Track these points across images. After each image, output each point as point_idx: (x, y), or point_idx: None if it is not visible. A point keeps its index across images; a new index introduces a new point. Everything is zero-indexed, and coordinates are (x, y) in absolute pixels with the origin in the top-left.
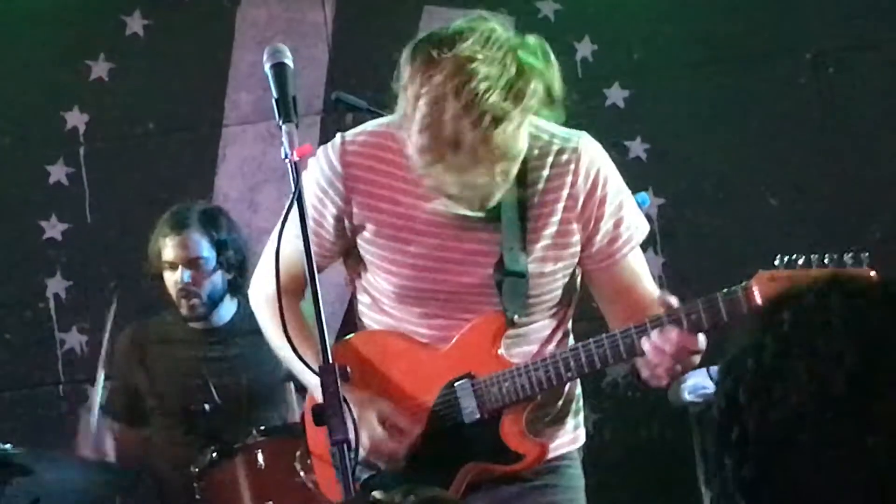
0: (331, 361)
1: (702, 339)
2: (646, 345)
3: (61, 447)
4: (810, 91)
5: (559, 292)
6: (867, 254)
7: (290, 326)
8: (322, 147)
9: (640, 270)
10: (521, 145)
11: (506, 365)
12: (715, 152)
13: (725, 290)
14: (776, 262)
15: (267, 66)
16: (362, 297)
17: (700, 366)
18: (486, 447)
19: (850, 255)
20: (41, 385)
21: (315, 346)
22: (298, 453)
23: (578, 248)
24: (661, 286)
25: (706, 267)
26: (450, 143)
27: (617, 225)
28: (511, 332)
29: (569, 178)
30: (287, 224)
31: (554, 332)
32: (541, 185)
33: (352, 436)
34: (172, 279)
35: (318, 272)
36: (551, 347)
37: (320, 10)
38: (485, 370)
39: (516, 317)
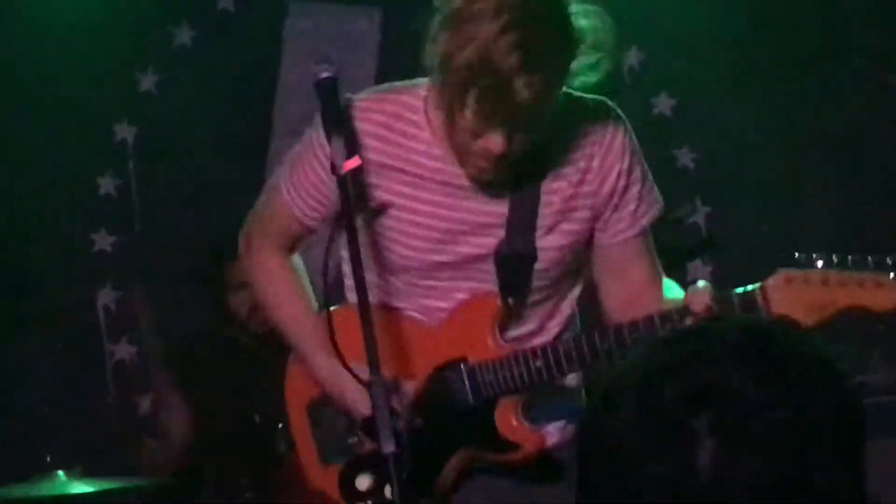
0: (380, 374)
1: None
2: None
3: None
4: (858, 98)
5: (565, 270)
6: (892, 260)
7: (293, 292)
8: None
9: (650, 249)
10: (553, 102)
11: (501, 350)
12: (762, 160)
13: (741, 290)
14: (796, 256)
15: (314, 80)
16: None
17: None
18: (479, 434)
19: (874, 258)
20: (90, 395)
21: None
22: None
23: (591, 224)
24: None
25: (755, 275)
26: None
27: (638, 199)
28: (509, 312)
29: (594, 149)
30: (286, 176)
31: (556, 311)
32: (561, 155)
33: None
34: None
35: (309, 234)
36: (553, 328)
37: (368, 22)
38: (479, 354)
39: (511, 300)
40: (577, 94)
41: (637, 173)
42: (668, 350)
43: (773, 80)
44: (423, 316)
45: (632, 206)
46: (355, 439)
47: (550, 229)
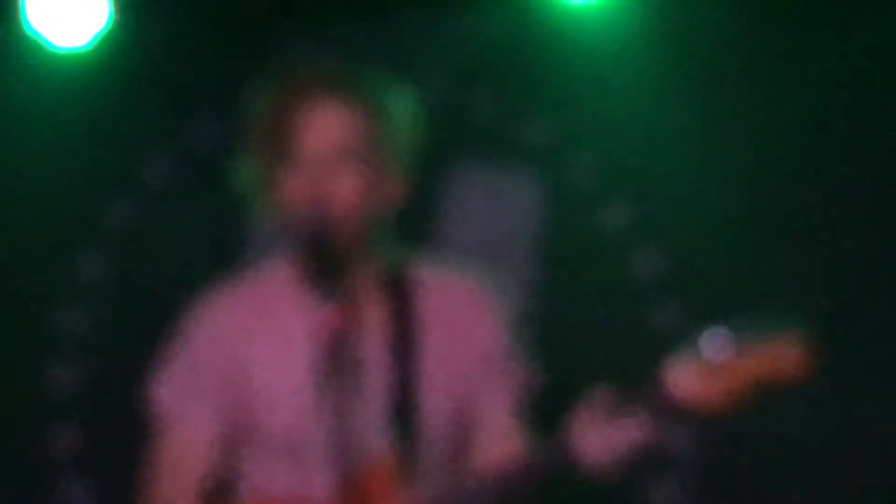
0: None
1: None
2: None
3: None
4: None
5: (459, 441)
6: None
7: None
8: None
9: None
10: None
11: None
12: None
13: (643, 389)
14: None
15: (302, 237)
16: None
17: None
18: None
19: (774, 328)
20: None
21: None
22: None
23: (472, 392)
24: None
25: None
26: None
27: (516, 372)
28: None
29: (469, 314)
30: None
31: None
32: (435, 316)
33: None
34: None
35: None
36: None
37: None
38: None
39: (408, 457)
40: (451, 267)
41: (511, 348)
42: None
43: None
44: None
45: (507, 382)
46: None
47: (437, 394)
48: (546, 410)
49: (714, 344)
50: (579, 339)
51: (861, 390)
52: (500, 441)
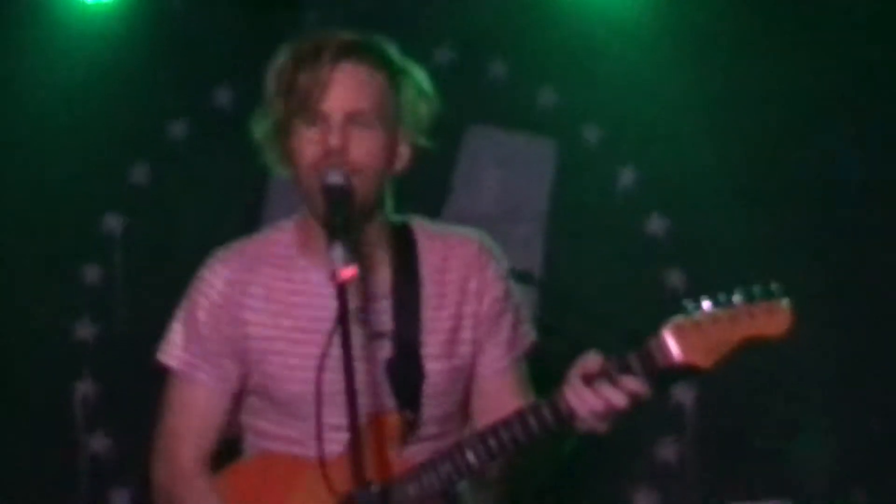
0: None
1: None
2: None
3: None
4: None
5: (455, 396)
6: (778, 285)
7: None
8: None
9: (524, 381)
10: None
11: (406, 467)
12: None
13: (635, 350)
14: (684, 304)
15: (324, 184)
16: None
17: None
18: None
19: (760, 287)
20: (61, 490)
21: None
22: None
23: (473, 348)
24: None
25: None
26: None
27: (511, 328)
28: (408, 424)
29: (470, 272)
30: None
31: (456, 412)
32: (438, 281)
33: None
34: None
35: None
36: (454, 429)
37: None
38: (384, 476)
39: (411, 415)
40: (450, 226)
41: (510, 303)
42: None
43: (773, 204)
44: (321, 450)
45: (505, 334)
46: None
47: (439, 355)
48: (554, 368)
49: (704, 306)
50: (586, 298)
51: (855, 351)
52: (500, 396)
